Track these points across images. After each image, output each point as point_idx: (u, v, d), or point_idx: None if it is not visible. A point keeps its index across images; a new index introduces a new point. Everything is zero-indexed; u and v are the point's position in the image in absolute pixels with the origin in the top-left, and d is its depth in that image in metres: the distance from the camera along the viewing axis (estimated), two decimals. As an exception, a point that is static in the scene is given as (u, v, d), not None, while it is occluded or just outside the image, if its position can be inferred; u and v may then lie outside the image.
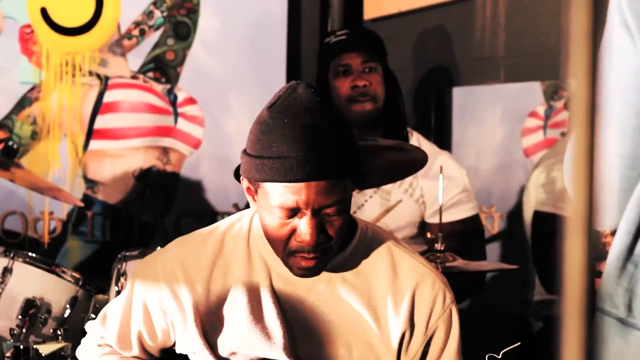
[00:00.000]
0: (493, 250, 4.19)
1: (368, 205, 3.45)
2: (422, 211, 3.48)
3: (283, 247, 2.09)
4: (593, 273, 0.67)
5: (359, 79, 3.44)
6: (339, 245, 2.14)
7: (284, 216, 2.05)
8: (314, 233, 2.04)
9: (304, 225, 2.04)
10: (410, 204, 3.47)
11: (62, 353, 3.11)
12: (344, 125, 2.08)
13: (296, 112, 2.02)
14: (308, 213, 2.03)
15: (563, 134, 4.00)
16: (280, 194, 2.02)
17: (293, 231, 2.06)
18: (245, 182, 2.12)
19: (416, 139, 3.54)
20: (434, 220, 3.40)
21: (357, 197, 3.42)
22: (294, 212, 2.04)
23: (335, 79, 3.48)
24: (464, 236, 3.46)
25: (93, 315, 3.12)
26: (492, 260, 3.89)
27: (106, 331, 2.31)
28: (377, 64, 3.48)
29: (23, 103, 4.31)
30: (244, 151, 2.10)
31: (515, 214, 4.13)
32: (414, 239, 3.47)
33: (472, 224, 3.54)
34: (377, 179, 2.38)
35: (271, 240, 2.12)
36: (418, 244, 3.41)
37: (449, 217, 3.38)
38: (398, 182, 3.41)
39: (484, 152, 4.19)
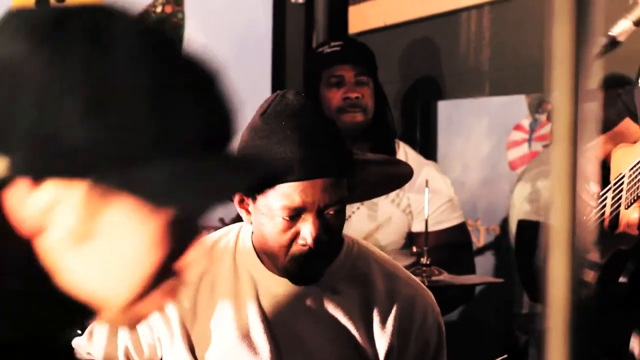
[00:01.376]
0: (480, 263, 4.20)
1: (355, 217, 3.45)
2: (410, 221, 3.48)
3: (284, 253, 2.09)
4: (578, 287, 0.67)
5: (352, 91, 3.46)
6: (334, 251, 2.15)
7: (288, 219, 2.04)
8: (318, 234, 2.04)
9: (308, 227, 2.04)
10: (397, 214, 3.47)
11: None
12: (337, 128, 2.12)
13: (291, 115, 2.04)
14: (313, 213, 2.03)
15: (545, 146, 4.01)
16: (285, 195, 2.02)
17: (295, 236, 2.06)
18: (237, 195, 2.12)
19: (403, 150, 3.55)
20: (421, 229, 3.42)
21: (344, 210, 3.42)
22: (297, 213, 2.04)
23: (327, 89, 3.49)
24: (450, 247, 3.46)
25: (79, 332, 3.10)
26: (479, 273, 3.90)
27: (92, 347, 2.30)
28: (369, 77, 3.50)
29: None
30: None
31: (501, 226, 4.14)
32: (402, 249, 3.47)
33: (458, 233, 3.55)
34: (362, 193, 2.39)
35: (271, 248, 2.11)
36: (405, 256, 3.41)
37: (434, 226, 3.39)
38: None
39: (469, 165, 4.20)
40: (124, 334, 2.25)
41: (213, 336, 2.18)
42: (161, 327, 2.20)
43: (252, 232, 2.19)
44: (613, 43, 2.33)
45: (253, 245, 2.18)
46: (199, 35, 4.44)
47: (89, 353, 2.33)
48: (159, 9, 4.43)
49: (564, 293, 0.65)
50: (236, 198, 2.13)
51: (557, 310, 0.67)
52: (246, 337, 2.17)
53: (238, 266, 2.21)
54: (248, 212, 2.13)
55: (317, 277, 2.14)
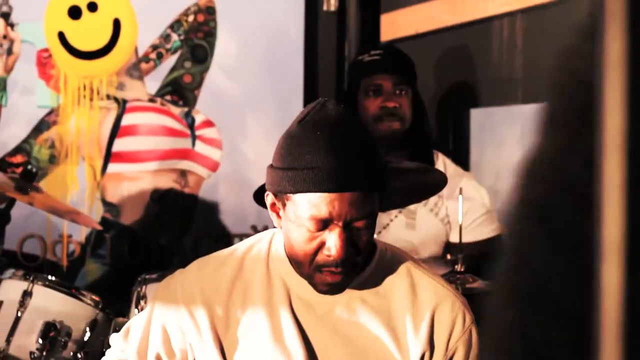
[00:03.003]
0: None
1: (393, 225, 3.45)
2: (448, 231, 3.48)
3: (309, 262, 2.09)
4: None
5: (390, 100, 3.45)
6: (362, 263, 2.15)
7: (314, 229, 2.05)
8: (343, 246, 2.04)
9: (334, 238, 2.04)
10: (435, 223, 3.47)
11: (82, 376, 3.11)
12: (373, 141, 2.11)
13: (328, 125, 2.04)
14: (339, 225, 2.03)
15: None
16: (313, 205, 2.03)
17: (321, 246, 2.07)
18: (270, 198, 2.13)
19: (442, 161, 3.55)
20: (457, 240, 3.41)
21: (382, 217, 3.42)
22: (324, 224, 2.05)
23: (365, 98, 3.49)
24: (486, 257, 3.45)
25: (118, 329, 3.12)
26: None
27: (127, 345, 2.32)
28: (408, 87, 3.50)
29: (41, 127, 4.33)
30: (271, 166, 2.11)
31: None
32: (439, 259, 3.47)
33: (495, 245, 3.54)
34: (397, 201, 2.39)
35: (297, 255, 2.11)
36: (443, 265, 3.40)
37: (471, 237, 3.39)
38: (423, 202, 3.41)
39: (502, 174, 4.18)
40: (156, 337, 2.26)
41: (246, 342, 2.19)
42: (193, 333, 2.20)
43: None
44: None
45: (285, 251, 2.19)
46: (231, 44, 4.46)
47: (123, 350, 2.35)
48: (190, 18, 4.44)
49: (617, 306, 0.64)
50: (268, 200, 2.14)
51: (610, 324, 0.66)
52: (279, 342, 2.17)
53: (271, 272, 2.22)
54: (279, 216, 2.13)
55: (341, 289, 2.14)
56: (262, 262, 2.24)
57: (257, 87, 4.47)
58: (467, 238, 3.07)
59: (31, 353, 3.19)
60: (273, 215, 2.16)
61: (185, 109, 4.43)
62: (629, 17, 0.65)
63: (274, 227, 2.25)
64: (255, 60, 4.47)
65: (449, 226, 3.47)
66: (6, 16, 4.30)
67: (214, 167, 4.44)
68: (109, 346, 2.42)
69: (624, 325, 0.65)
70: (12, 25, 4.31)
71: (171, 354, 2.26)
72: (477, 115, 4.17)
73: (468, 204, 3.17)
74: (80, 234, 4.35)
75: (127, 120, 4.39)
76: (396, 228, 3.45)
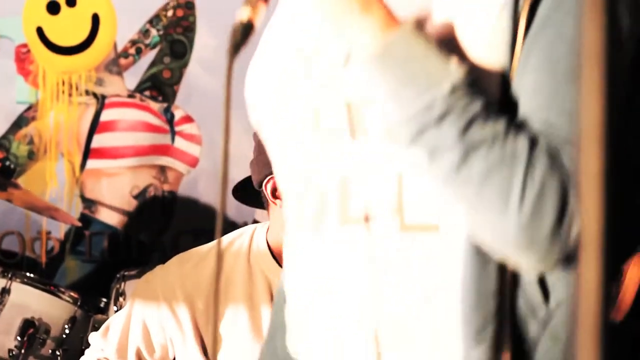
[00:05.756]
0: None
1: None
2: None
3: None
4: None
5: None
6: None
7: None
8: None
9: None
10: None
11: (61, 373, 3.09)
12: None
13: None
14: None
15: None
16: None
17: None
18: (270, 185, 2.12)
19: None
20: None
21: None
22: None
23: None
24: None
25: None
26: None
27: (107, 344, 2.31)
28: None
29: (20, 123, 4.30)
30: None
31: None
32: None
33: None
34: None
35: None
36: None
37: None
38: None
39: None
40: (136, 333, 2.25)
41: (227, 337, 2.18)
42: (174, 328, 2.19)
43: (268, 231, 2.18)
44: None
45: (268, 245, 2.18)
46: (210, 38, 4.44)
47: (102, 349, 2.33)
48: (170, 13, 4.42)
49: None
50: (269, 187, 2.13)
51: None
52: (261, 338, 2.16)
53: (252, 268, 2.21)
54: (276, 203, 2.12)
55: None
56: (244, 257, 2.23)
57: (237, 82, 4.44)
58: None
59: (9, 351, 3.17)
60: (273, 201, 2.14)
61: (165, 105, 4.41)
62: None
63: (254, 223, 2.24)
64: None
65: None
66: (-17, 11, 4.27)
67: (193, 163, 4.42)
68: (88, 344, 2.41)
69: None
70: (-11, 21, 4.28)
71: (151, 349, 2.25)
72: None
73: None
74: (59, 230, 4.33)
75: (106, 116, 4.37)
76: None
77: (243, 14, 1.14)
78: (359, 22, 1.14)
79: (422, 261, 1.20)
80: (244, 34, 1.14)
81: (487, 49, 1.16)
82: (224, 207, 1.01)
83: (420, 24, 1.14)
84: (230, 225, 4.30)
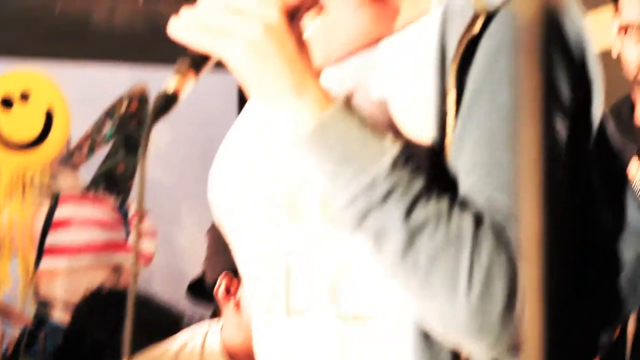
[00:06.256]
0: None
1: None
2: None
3: None
4: None
5: None
6: None
7: None
8: None
9: None
10: None
11: None
12: None
13: None
14: None
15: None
16: None
17: None
18: (224, 283, 2.08)
19: None
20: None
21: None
22: None
23: None
24: None
25: None
26: None
27: None
28: None
29: (-27, 222, 4.25)
30: None
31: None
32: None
33: None
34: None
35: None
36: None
37: None
38: None
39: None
40: None
41: None
42: None
43: (222, 329, 2.13)
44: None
45: (224, 347, 2.13)
46: (165, 132, 4.42)
47: None
48: (124, 107, 4.41)
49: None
50: (222, 287, 2.09)
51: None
52: None
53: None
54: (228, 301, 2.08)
55: None
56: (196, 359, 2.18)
57: (191, 175, 4.42)
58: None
59: None
60: (226, 300, 2.10)
61: (119, 200, 4.37)
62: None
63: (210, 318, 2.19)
64: (189, 148, 4.44)
65: None
66: None
67: (148, 259, 4.37)
68: None
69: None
70: (-60, 119, 4.25)
71: None
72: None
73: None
74: (13, 330, 4.25)
75: (60, 212, 4.32)
76: None
77: (170, 84, 1.10)
78: (293, 103, 1.10)
79: (363, 353, 1.16)
80: (166, 104, 1.10)
81: (418, 122, 1.14)
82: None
83: (351, 100, 1.11)
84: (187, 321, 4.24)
